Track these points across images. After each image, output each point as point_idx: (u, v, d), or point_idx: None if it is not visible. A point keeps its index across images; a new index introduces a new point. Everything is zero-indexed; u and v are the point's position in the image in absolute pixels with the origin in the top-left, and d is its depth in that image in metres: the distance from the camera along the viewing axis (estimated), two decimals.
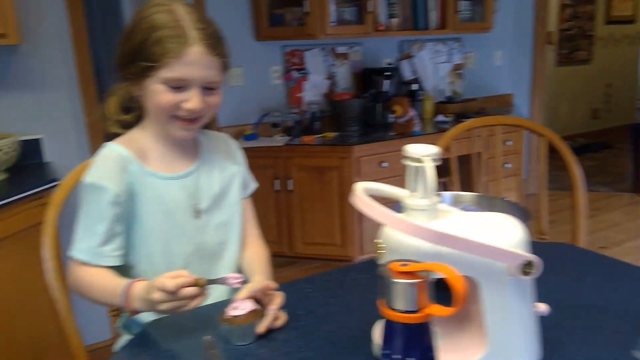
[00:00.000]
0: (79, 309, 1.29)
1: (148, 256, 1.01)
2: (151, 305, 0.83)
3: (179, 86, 0.92)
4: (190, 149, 1.06)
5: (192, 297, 0.81)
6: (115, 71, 0.98)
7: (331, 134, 3.13)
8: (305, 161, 3.03)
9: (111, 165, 0.96)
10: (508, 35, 3.93)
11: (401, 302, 0.53)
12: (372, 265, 1.17)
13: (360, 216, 3.10)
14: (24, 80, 1.96)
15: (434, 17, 3.33)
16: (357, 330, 0.89)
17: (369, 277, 1.10)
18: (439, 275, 0.55)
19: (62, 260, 1.17)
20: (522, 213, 1.00)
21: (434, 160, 0.69)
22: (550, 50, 4.63)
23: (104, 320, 2.34)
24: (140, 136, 1.02)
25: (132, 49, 0.93)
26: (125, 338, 1.08)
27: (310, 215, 3.12)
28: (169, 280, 0.79)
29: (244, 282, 0.89)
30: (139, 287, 0.87)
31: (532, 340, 0.75)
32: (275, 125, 3.15)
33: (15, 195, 1.63)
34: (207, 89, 0.95)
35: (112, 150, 0.99)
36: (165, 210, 1.00)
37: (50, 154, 2.03)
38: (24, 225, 1.69)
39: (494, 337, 0.72)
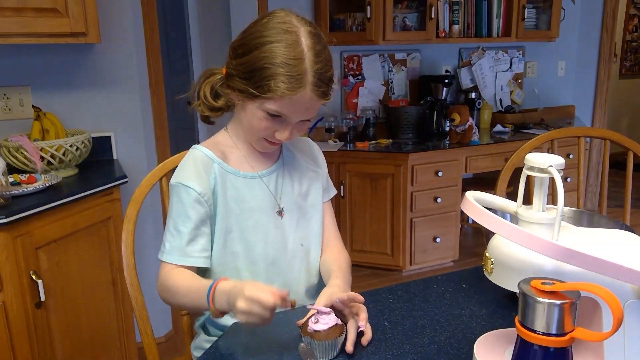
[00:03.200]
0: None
1: (231, 255, 1.00)
2: (232, 309, 0.80)
3: (278, 116, 0.92)
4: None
5: (272, 315, 0.78)
6: (227, 75, 0.96)
7: (385, 141, 3.08)
8: (358, 167, 2.99)
9: (196, 166, 0.97)
10: (573, 45, 3.79)
11: (544, 324, 0.49)
12: (454, 278, 1.13)
13: (412, 226, 3.04)
14: (98, 79, 2.00)
15: (497, 24, 3.25)
16: (450, 348, 0.84)
17: (453, 291, 1.05)
18: (591, 295, 0.50)
19: (136, 257, 1.18)
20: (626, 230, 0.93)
21: (560, 170, 0.64)
22: (613, 62, 4.46)
23: (166, 315, 2.37)
24: (223, 139, 1.04)
25: (245, 69, 0.90)
26: (202, 338, 1.07)
27: (361, 222, 3.08)
28: (269, 295, 0.75)
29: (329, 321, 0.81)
30: (224, 285, 0.84)
31: None
32: (329, 130, 3.12)
33: (86, 191, 1.66)
34: (303, 120, 0.95)
35: (198, 151, 1.01)
36: (247, 208, 0.99)
37: (118, 151, 2.07)
38: (93, 220, 1.73)
39: None
